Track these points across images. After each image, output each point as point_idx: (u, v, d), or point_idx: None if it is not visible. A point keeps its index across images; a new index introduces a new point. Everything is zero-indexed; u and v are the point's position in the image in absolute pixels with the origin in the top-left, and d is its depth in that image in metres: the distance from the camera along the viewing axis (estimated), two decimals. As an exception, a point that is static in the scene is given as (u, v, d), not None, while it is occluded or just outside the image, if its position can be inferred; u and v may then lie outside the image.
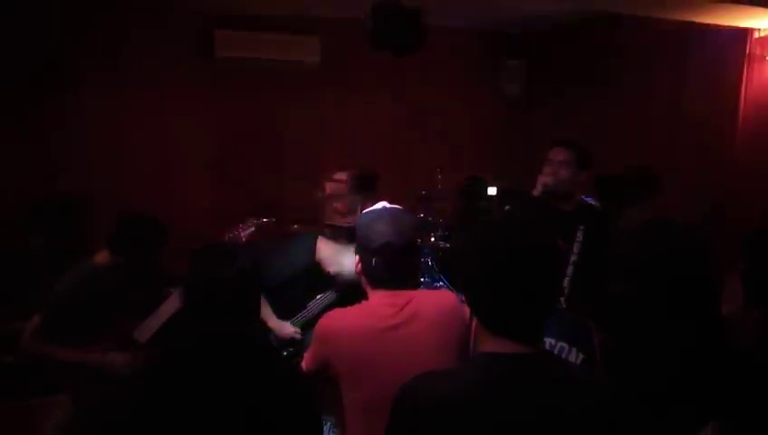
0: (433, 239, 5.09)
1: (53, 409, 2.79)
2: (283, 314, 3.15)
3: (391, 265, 1.90)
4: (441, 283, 4.61)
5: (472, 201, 5.66)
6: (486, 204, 4.85)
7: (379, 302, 1.91)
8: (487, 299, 1.29)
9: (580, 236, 2.69)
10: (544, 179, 2.90)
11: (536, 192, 2.94)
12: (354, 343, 1.83)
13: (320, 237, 3.20)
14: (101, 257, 2.88)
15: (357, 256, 1.97)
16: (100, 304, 2.76)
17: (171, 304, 2.81)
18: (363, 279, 1.98)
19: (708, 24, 4.82)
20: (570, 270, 2.61)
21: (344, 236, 3.12)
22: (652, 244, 1.88)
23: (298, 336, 3.07)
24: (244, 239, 3.13)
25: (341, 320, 1.91)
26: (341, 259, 3.05)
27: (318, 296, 3.13)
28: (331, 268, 3.06)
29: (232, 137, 6.20)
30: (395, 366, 1.75)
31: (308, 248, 3.16)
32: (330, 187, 3.30)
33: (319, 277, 3.12)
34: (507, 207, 3.03)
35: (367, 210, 2.07)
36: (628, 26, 5.75)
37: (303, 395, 1.65)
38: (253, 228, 3.21)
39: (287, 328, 3.07)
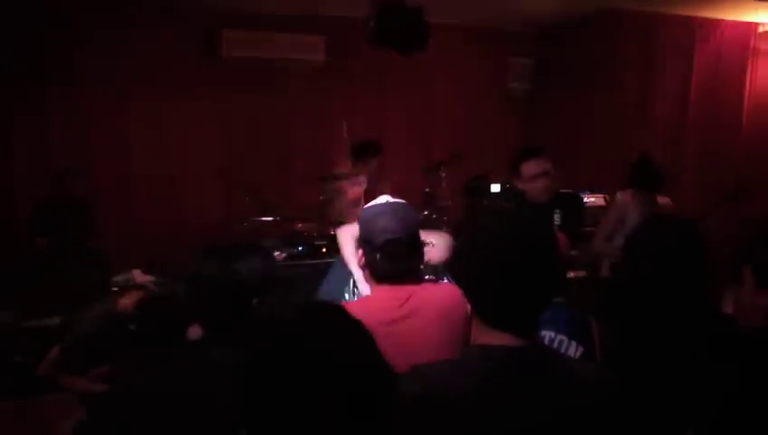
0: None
1: (71, 405, 2.80)
2: None
3: (395, 261, 1.90)
4: (446, 280, 4.59)
5: (476, 199, 5.66)
6: (488, 202, 4.88)
7: (381, 296, 1.91)
8: (482, 291, 1.29)
9: (557, 220, 2.80)
10: (546, 190, 2.93)
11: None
12: (356, 338, 1.83)
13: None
14: (126, 303, 2.87)
15: (360, 250, 1.97)
16: (120, 347, 2.77)
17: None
18: (366, 272, 1.98)
19: (713, 19, 4.83)
20: None
21: None
22: (650, 240, 1.90)
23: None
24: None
25: (343, 314, 1.92)
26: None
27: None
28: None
29: (237, 135, 6.22)
30: (397, 360, 1.75)
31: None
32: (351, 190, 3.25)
33: None
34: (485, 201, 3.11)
35: (369, 204, 2.06)
36: (632, 23, 5.74)
37: None
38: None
39: None
